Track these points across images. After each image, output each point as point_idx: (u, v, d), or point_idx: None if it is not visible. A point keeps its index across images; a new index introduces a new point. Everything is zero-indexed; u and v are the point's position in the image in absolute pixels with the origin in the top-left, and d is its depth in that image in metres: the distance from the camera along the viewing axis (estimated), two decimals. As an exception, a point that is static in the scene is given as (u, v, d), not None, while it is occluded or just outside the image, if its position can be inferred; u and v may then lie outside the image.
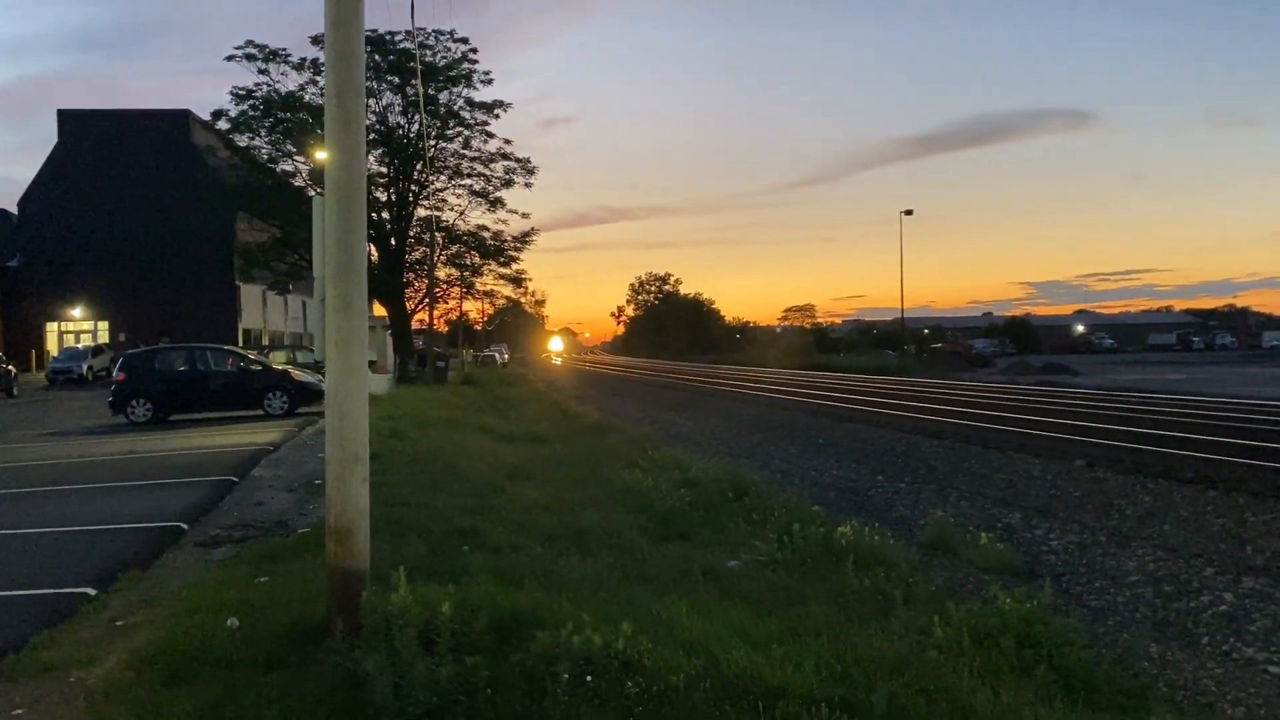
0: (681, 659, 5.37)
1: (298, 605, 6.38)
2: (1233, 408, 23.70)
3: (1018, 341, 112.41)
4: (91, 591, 7.32)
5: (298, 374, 24.18)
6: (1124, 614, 8.16)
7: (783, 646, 5.90)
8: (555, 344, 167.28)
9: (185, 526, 9.85)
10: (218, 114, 45.14)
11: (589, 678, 4.81)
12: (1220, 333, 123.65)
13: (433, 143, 46.51)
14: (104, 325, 61.79)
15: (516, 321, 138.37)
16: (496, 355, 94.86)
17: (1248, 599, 8.20)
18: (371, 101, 45.59)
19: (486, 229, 49.82)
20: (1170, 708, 5.89)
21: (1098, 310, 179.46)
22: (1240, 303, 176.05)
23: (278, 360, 30.51)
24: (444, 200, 48.94)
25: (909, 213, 71.45)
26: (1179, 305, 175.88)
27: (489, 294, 57.82)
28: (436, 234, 47.14)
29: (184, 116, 62.88)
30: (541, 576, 7.48)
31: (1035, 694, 5.66)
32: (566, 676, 4.84)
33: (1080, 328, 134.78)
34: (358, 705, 4.70)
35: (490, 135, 47.08)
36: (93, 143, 60.93)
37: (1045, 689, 5.83)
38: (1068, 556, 10.12)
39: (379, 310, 51.64)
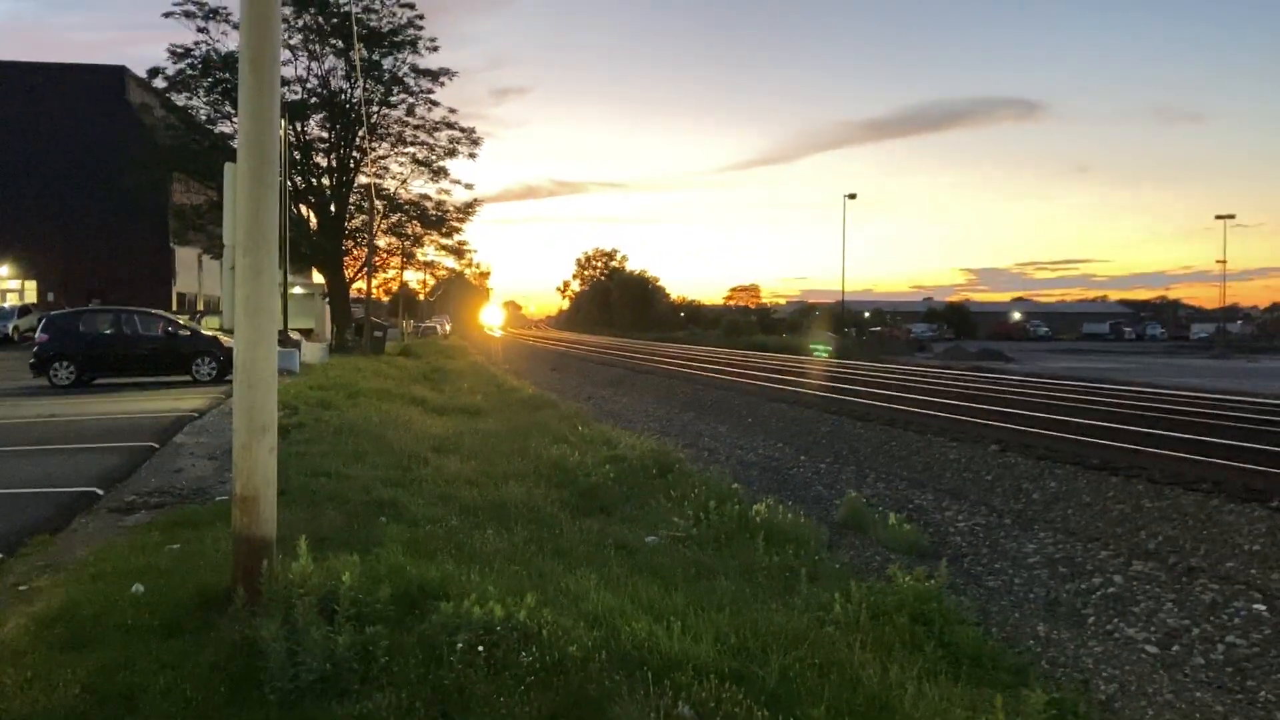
0: (582, 630, 5.50)
1: (206, 573, 6.39)
2: (1145, 396, 24.45)
3: (955, 327, 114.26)
4: (-4, 556, 7.25)
5: (227, 340, 23.79)
6: (1019, 594, 8.50)
7: (684, 619, 6.07)
8: (491, 316, 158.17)
9: (100, 492, 9.75)
10: (154, 71, 44.12)
11: (481, 648, 4.92)
12: (1152, 324, 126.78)
13: (376, 109, 45.90)
14: (31, 285, 60.14)
15: (461, 293, 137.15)
16: (438, 326, 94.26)
17: (1135, 581, 8.58)
18: (314, 65, 44.89)
19: (429, 198, 49.49)
20: (1047, 682, 6.17)
21: (1035, 298, 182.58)
22: (1173, 295, 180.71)
23: (209, 325, 30.03)
24: (386, 168, 48.42)
25: (852, 196, 72.34)
26: (1114, 295, 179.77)
27: (430, 264, 57.33)
28: (377, 202, 46.59)
29: (119, 73, 61.16)
30: (455, 549, 7.57)
31: (922, 669, 5.89)
32: (461, 646, 4.95)
33: (1017, 315, 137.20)
34: (253, 671, 4.76)
35: (435, 104, 46.70)
36: (22, 96, 59.00)
37: (933, 664, 6.07)
38: (973, 537, 10.47)
39: (317, 278, 50.99)
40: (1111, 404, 21.86)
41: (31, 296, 58.35)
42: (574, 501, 10.52)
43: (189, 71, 43.21)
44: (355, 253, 49.51)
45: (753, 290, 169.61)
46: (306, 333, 40.90)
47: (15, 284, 60.47)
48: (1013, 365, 48.17)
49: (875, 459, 15.41)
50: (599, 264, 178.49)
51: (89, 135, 57.22)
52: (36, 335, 23.95)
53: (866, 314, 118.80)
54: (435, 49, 45.28)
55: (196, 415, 16.10)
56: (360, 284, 50.57)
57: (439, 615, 5.30)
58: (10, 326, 46.12)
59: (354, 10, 40.75)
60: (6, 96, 59.32)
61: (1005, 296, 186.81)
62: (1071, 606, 8.06)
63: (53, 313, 27.28)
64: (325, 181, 46.97)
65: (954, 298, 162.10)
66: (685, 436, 18.66)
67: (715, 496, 9.96)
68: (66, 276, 58.06)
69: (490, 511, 9.34)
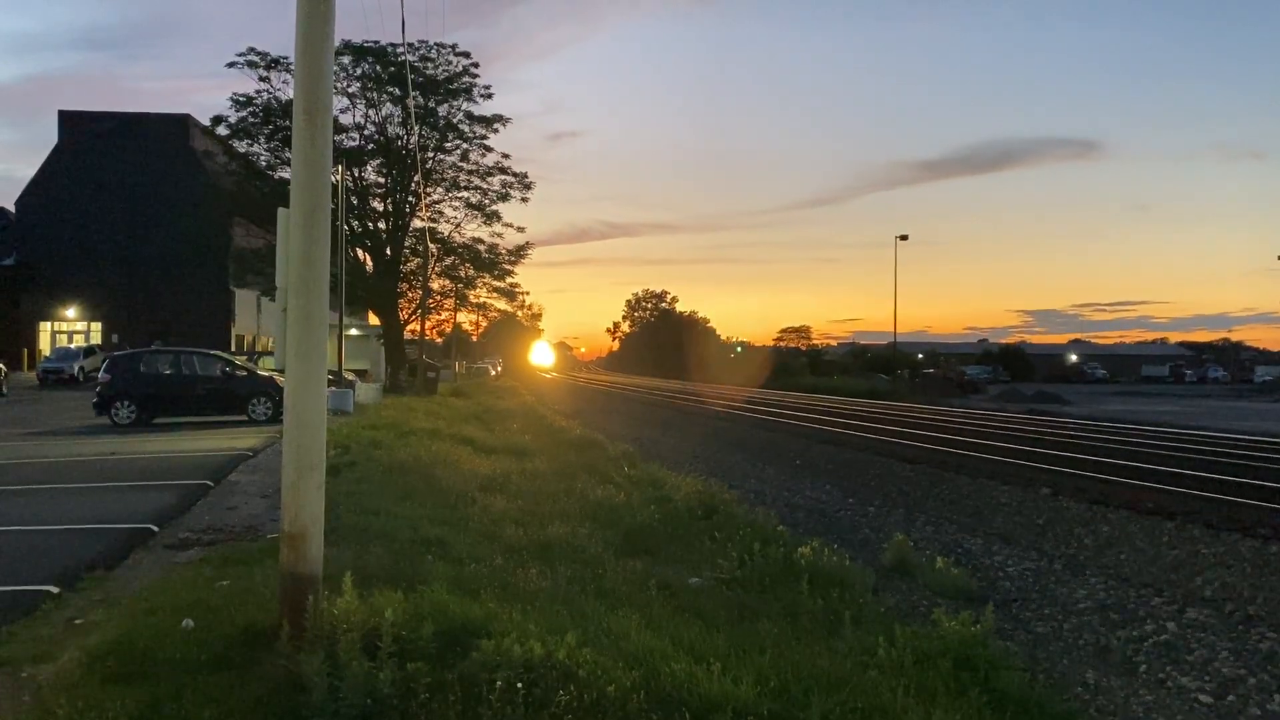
0: (621, 670, 5.49)
1: (254, 609, 6.50)
2: (1203, 440, 23.90)
3: (1011, 369, 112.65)
4: (54, 590, 7.43)
5: (283, 381, 24.32)
6: (1068, 640, 8.33)
7: (725, 661, 6.05)
8: (541, 356, 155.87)
9: (155, 529, 9.97)
10: (217, 119, 45.54)
11: (520, 685, 4.96)
12: (1213, 366, 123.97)
13: (431, 155, 46.83)
14: (97, 327, 61.93)
15: (512, 334, 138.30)
16: (489, 367, 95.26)
17: (1189, 629, 8.38)
18: (371, 112, 45.98)
19: (482, 242, 50.28)
20: (1095, 732, 6.05)
21: (1093, 340, 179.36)
22: (1235, 336, 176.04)
23: (266, 366, 30.63)
24: (440, 212, 49.33)
25: (904, 237, 72.01)
26: (1174, 337, 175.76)
27: (482, 306, 58.04)
28: (431, 245, 47.39)
29: (183, 120, 63.17)
30: (499, 587, 7.60)
31: (966, 715, 5.79)
32: (500, 684, 4.98)
33: (1074, 357, 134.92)
34: (296, 706, 4.84)
35: (488, 149, 47.57)
36: (92, 144, 61.20)
37: (978, 710, 5.96)
38: (1022, 582, 10.30)
39: (373, 320, 51.84)
40: (1168, 448, 21.41)
41: (97, 338, 60.01)
42: (618, 542, 10.51)
43: (250, 119, 44.60)
44: (410, 295, 50.33)
45: (803, 331, 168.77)
46: (362, 373, 41.60)
47: (82, 325, 62.31)
48: (1069, 408, 47.39)
49: (925, 502, 15.25)
50: (649, 305, 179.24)
51: (154, 181, 59.16)
52: (99, 376, 24.63)
53: (920, 355, 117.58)
54: (489, 96, 46.27)
55: (251, 454, 16.41)
56: (414, 326, 51.37)
57: (479, 653, 5.33)
58: (76, 367, 47.39)
59: (410, 59, 41.77)
60: (77, 145, 61.59)
61: (1062, 338, 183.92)
62: (1122, 654, 7.88)
63: (115, 354, 28.03)
64: (381, 226, 47.94)
65: (1009, 339, 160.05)
66: (732, 478, 18.60)
67: (760, 539, 9.91)
68: (131, 318, 59.72)
69: (535, 551, 9.38)
